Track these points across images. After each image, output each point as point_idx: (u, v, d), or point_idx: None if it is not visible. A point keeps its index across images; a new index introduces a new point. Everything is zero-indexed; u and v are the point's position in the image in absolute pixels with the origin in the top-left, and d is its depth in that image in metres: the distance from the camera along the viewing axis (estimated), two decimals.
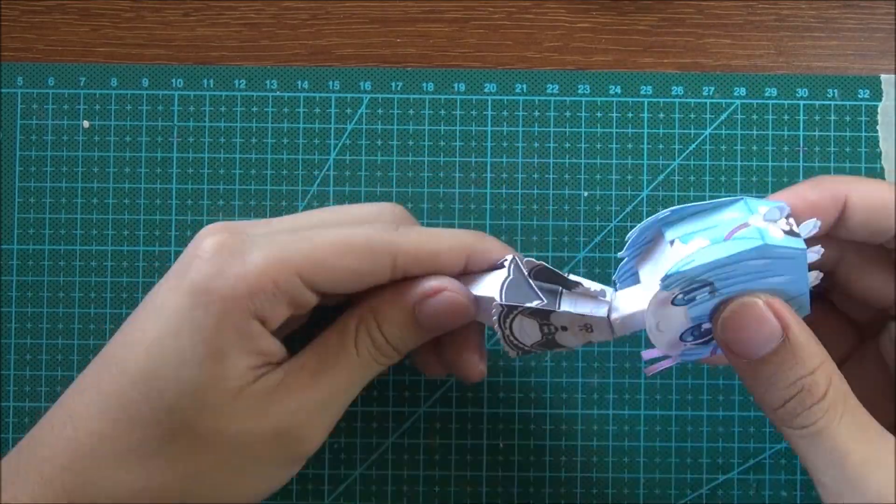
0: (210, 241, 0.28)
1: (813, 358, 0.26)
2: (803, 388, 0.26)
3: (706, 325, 0.28)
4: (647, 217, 0.39)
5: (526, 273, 0.30)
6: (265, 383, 0.28)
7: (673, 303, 0.27)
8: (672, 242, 0.28)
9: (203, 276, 0.27)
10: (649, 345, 0.29)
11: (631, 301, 0.28)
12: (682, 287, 0.26)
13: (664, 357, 0.29)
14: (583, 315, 0.28)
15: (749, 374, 0.27)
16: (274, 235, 0.29)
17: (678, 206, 0.28)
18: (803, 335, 0.26)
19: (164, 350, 0.27)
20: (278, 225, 0.30)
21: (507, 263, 0.30)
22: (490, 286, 0.30)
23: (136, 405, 0.27)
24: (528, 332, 0.29)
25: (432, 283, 0.29)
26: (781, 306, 0.26)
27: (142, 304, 0.29)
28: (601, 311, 0.28)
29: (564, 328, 0.29)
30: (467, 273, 0.31)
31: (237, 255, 0.28)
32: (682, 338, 0.28)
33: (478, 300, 0.30)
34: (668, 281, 0.26)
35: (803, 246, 0.26)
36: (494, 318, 0.29)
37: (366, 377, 0.30)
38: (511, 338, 0.29)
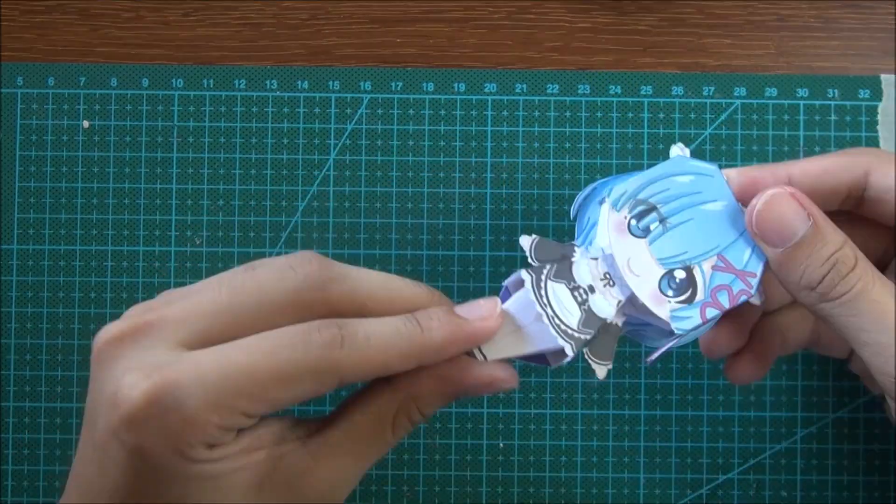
0: (137, 391, 0.24)
1: (838, 236, 0.29)
2: (838, 261, 0.28)
3: (680, 274, 0.29)
4: None
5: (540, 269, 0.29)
6: (289, 471, 0.27)
7: (630, 232, 0.29)
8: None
9: (142, 443, 0.24)
10: (649, 350, 0.29)
11: (601, 238, 0.30)
12: (630, 208, 0.29)
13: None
14: (593, 254, 0.29)
15: (786, 261, 0.29)
16: (209, 363, 0.25)
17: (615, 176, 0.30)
18: (824, 219, 0.29)
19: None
20: (195, 320, 0.26)
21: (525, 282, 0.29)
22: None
23: None
24: (565, 305, 0.29)
25: (482, 375, 0.28)
26: (801, 195, 0.29)
27: (79, 448, 0.27)
28: (602, 243, 0.29)
29: (592, 289, 0.29)
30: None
31: (172, 412, 0.24)
32: (661, 290, 0.29)
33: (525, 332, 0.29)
34: (611, 196, 0.29)
35: (714, 166, 0.30)
36: (530, 289, 0.29)
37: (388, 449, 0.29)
38: (557, 321, 0.29)
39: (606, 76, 0.39)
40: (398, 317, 0.27)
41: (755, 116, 0.39)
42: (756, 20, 0.40)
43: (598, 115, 0.39)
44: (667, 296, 0.29)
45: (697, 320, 0.29)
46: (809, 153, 0.39)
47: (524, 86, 0.39)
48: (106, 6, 0.40)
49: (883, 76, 0.39)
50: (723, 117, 0.39)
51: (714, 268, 0.29)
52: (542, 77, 0.39)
